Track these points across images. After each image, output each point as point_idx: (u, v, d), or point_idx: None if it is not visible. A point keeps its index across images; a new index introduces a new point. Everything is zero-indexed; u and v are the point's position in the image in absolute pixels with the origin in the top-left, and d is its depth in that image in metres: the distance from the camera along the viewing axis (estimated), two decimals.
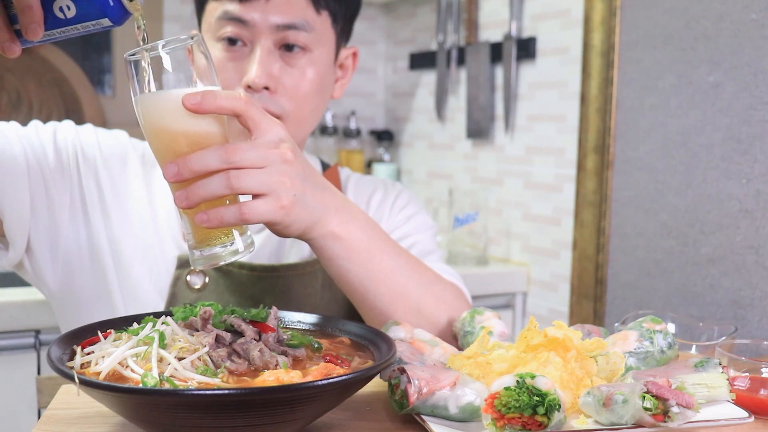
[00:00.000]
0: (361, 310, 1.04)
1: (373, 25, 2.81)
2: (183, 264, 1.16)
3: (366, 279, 0.98)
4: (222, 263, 0.84)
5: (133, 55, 0.79)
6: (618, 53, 1.86)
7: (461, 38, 2.43)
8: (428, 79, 2.60)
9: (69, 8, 0.76)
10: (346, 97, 2.74)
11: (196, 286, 1.15)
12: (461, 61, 2.41)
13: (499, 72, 2.28)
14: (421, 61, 2.59)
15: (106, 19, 0.77)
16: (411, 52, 2.65)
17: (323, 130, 2.67)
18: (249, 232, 0.86)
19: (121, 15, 0.78)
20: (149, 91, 0.80)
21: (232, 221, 0.81)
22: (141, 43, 0.80)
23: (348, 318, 1.07)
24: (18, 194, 1.07)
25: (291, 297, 1.18)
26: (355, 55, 1.28)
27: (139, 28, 0.81)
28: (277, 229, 0.87)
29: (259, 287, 1.17)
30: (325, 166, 1.35)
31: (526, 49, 2.16)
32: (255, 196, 0.83)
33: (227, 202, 0.83)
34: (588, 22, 1.95)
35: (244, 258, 1.17)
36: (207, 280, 1.15)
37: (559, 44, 2.08)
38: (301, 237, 0.91)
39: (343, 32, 1.22)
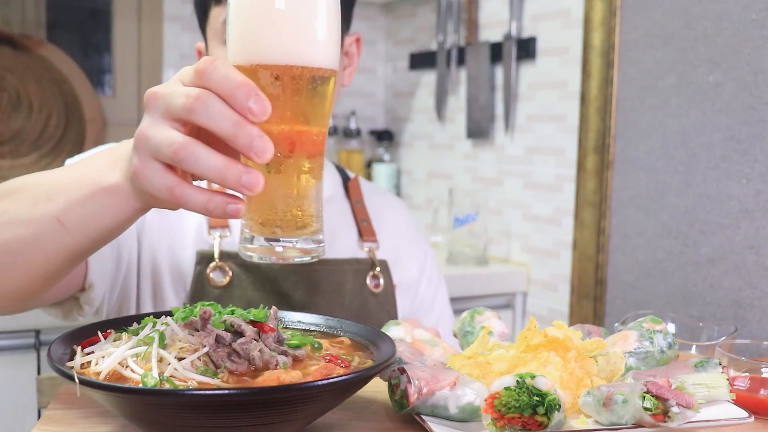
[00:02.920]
0: None
1: (373, 25, 2.81)
2: (203, 259, 1.13)
3: None
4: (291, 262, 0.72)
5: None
6: (618, 53, 1.86)
7: (461, 38, 2.43)
8: (428, 79, 2.60)
9: None
10: (346, 97, 2.74)
11: (222, 282, 1.12)
12: (461, 61, 2.41)
13: (499, 72, 2.28)
14: (421, 61, 2.59)
15: None
16: (411, 52, 2.64)
17: None
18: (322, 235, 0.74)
19: None
20: None
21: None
22: None
23: (372, 320, 1.06)
24: (106, 266, 1.05)
25: (320, 293, 1.16)
26: (358, 41, 1.28)
27: None
28: None
29: (290, 282, 1.15)
30: (345, 178, 1.36)
31: (526, 49, 2.16)
32: None
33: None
34: (588, 22, 1.95)
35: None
36: (231, 275, 1.13)
37: (559, 44, 2.08)
38: None
39: (344, 19, 1.22)
